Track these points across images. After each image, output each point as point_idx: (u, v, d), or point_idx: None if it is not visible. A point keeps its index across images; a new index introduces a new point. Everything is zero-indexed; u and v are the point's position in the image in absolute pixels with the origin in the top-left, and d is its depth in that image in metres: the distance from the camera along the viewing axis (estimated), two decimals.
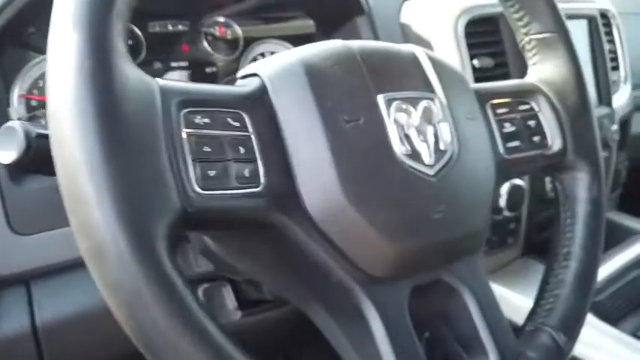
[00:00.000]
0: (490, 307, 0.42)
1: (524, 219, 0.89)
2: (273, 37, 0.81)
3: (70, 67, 0.28)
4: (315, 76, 0.37)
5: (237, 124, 0.34)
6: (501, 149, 0.47)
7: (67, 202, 0.28)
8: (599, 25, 1.05)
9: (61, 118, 0.28)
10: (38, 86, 0.62)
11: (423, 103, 0.40)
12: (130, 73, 0.29)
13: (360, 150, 0.36)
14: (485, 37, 0.84)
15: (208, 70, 0.77)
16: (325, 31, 0.82)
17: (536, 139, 0.50)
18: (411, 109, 0.39)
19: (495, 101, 0.49)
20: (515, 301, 0.83)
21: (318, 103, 0.36)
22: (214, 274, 0.55)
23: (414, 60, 0.42)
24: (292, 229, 0.35)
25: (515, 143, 0.48)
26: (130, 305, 0.27)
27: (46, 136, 0.41)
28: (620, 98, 1.10)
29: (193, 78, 0.75)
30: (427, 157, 0.39)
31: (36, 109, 0.62)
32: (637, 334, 0.83)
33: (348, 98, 0.37)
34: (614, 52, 1.11)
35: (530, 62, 0.54)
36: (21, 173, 0.53)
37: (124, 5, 0.30)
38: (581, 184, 0.51)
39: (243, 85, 0.38)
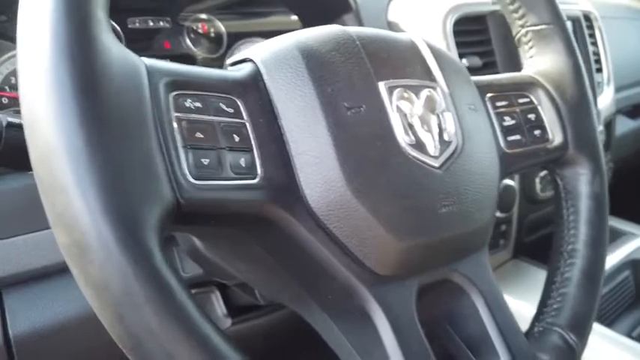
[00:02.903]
0: (499, 307, 0.39)
1: (515, 220, 0.88)
2: (257, 35, 0.78)
3: (44, 39, 0.24)
4: (314, 60, 0.34)
5: (230, 110, 0.31)
6: (502, 143, 0.45)
7: (43, 194, 0.25)
8: (583, 26, 1.05)
9: (34, 97, 0.24)
10: (10, 83, 0.59)
11: (425, 92, 0.38)
12: (113, 48, 0.26)
13: (363, 139, 0.34)
14: (473, 35, 0.83)
15: None
16: None
17: (536, 132, 0.48)
18: (414, 97, 0.37)
19: (494, 94, 0.47)
20: (510, 304, 0.81)
21: (318, 89, 0.33)
22: (202, 278, 0.52)
23: (414, 47, 0.40)
24: (292, 224, 0.32)
25: (515, 137, 0.47)
26: (117, 306, 0.24)
27: (18, 126, 0.37)
28: (604, 100, 1.11)
29: None
30: (432, 147, 0.36)
31: (7, 107, 0.59)
32: (631, 334, 0.83)
33: (349, 85, 0.35)
34: (597, 54, 1.11)
35: (527, 55, 0.53)
36: None
37: None
38: (582, 179, 0.49)
39: (236, 70, 0.35)
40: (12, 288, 0.50)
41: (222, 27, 0.76)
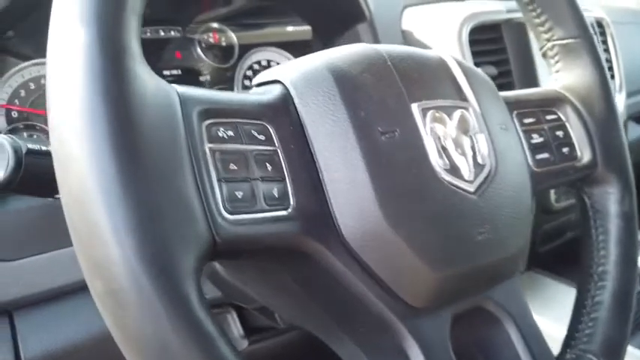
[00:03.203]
0: (533, 336, 0.38)
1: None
2: (269, 45, 0.77)
3: (78, 71, 0.23)
4: (346, 83, 0.33)
5: (262, 137, 0.30)
6: (531, 162, 0.44)
7: (74, 236, 0.23)
8: (596, 34, 1.04)
9: (66, 133, 0.23)
10: (19, 96, 0.57)
11: (458, 113, 0.37)
12: (147, 79, 0.25)
13: (398, 165, 0.32)
14: (488, 44, 0.82)
15: (202, 78, 0.72)
16: (323, 38, 0.79)
17: (565, 150, 0.47)
18: (446, 118, 0.36)
19: (521, 111, 0.46)
20: None
21: (351, 113, 0.32)
22: (219, 300, 0.50)
23: (444, 66, 0.39)
24: (327, 257, 0.31)
25: (544, 155, 0.45)
26: (153, 357, 0.23)
27: (37, 152, 0.36)
28: (617, 107, 1.09)
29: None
30: (467, 171, 0.35)
31: (17, 121, 0.57)
32: None
33: (382, 108, 0.33)
34: (609, 60, 1.10)
35: (553, 69, 0.52)
36: (5, 194, 0.48)
37: (139, 0, 0.26)
38: (612, 198, 0.48)
39: (263, 93, 0.33)
40: (23, 310, 0.49)
41: (233, 37, 0.75)
